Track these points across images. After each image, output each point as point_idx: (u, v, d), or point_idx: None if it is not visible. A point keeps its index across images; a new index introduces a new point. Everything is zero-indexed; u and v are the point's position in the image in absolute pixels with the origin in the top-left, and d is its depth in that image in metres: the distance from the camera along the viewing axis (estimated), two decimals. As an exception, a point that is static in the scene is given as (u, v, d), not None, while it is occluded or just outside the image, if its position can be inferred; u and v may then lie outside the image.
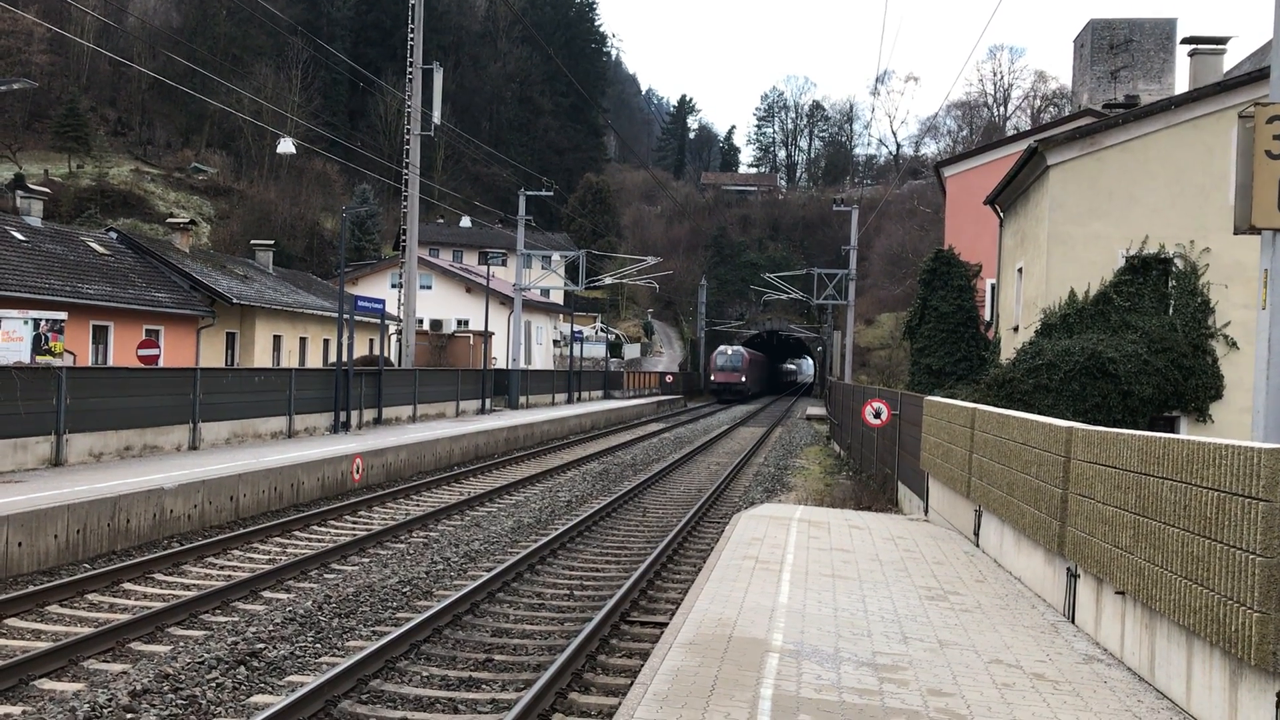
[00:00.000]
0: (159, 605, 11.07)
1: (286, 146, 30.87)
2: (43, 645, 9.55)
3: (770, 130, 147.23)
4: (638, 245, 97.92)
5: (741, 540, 13.83)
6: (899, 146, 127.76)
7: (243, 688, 8.85)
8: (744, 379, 79.08)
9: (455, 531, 16.82)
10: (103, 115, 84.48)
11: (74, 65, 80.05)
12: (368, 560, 14.35)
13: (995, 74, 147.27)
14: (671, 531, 16.68)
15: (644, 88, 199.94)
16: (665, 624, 10.94)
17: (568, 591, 13.08)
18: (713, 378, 79.87)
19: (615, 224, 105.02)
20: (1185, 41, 27.47)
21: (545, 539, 15.61)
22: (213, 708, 8.33)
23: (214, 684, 8.81)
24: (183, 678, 8.85)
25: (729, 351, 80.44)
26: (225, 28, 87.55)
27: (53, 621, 10.81)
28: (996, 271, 29.39)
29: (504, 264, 63.88)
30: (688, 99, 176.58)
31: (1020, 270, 25.00)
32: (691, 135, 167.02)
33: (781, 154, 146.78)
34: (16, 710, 8.03)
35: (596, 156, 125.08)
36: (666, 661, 7.85)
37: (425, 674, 9.48)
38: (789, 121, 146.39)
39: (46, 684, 8.69)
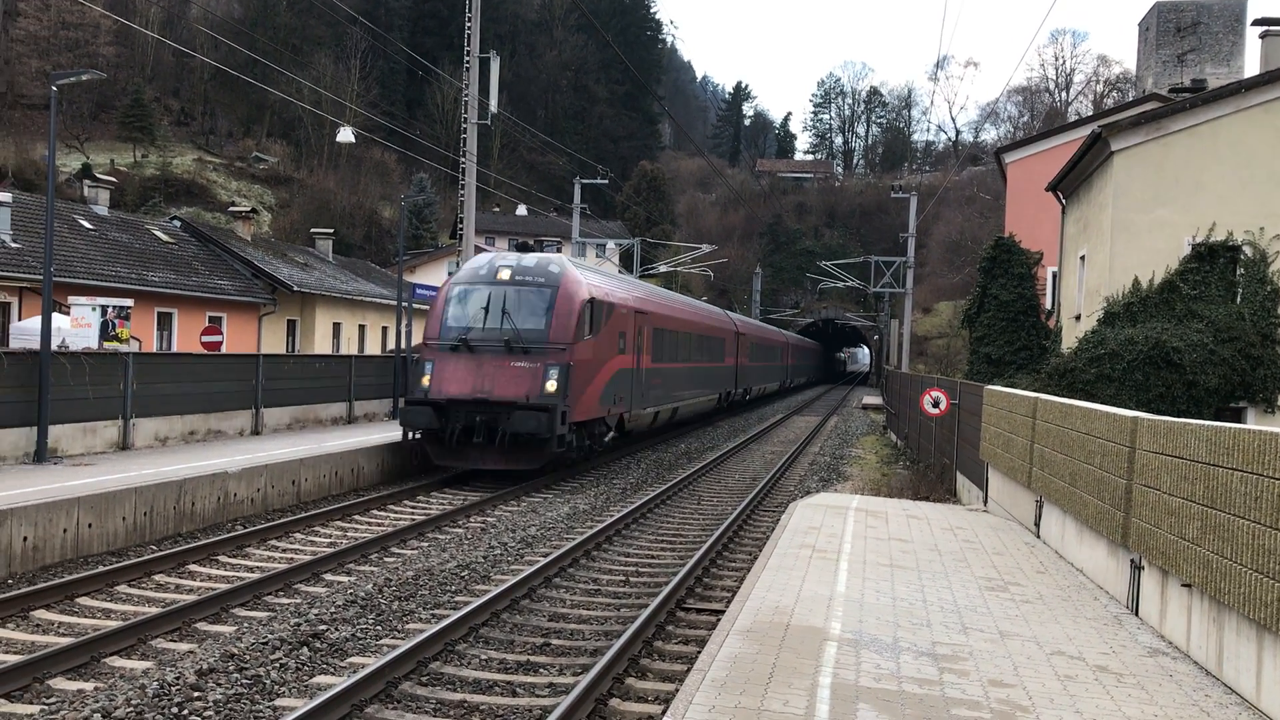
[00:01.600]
0: (224, 586, 11.29)
1: (346, 136, 31.18)
2: (113, 624, 9.78)
3: (827, 117, 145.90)
4: (692, 233, 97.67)
5: (798, 529, 13.78)
6: (958, 133, 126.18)
7: (305, 668, 8.99)
8: (547, 385, 19.82)
9: (512, 517, 16.93)
10: (166, 106, 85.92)
11: (139, 57, 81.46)
12: (426, 544, 14.50)
13: (1057, 59, 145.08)
14: (726, 520, 16.67)
15: (699, 75, 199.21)
16: (721, 611, 10.95)
17: (623, 578, 13.13)
18: (425, 381, 20.01)
19: (670, 212, 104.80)
20: (1256, 23, 26.74)
21: (600, 525, 15.66)
22: (276, 687, 8.48)
23: (278, 664, 8.96)
24: (247, 657, 9.02)
25: (481, 268, 21.51)
26: (285, 18, 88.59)
27: (122, 601, 11.05)
28: (1058, 259, 28.93)
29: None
30: (743, 85, 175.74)
31: (1083, 258, 24.58)
32: (747, 122, 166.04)
33: (838, 140, 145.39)
34: (89, 686, 8.24)
35: (651, 144, 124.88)
36: (724, 648, 7.85)
37: (484, 657, 9.58)
38: (846, 108, 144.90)
39: (116, 661, 8.90)
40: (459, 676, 8.98)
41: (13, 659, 8.47)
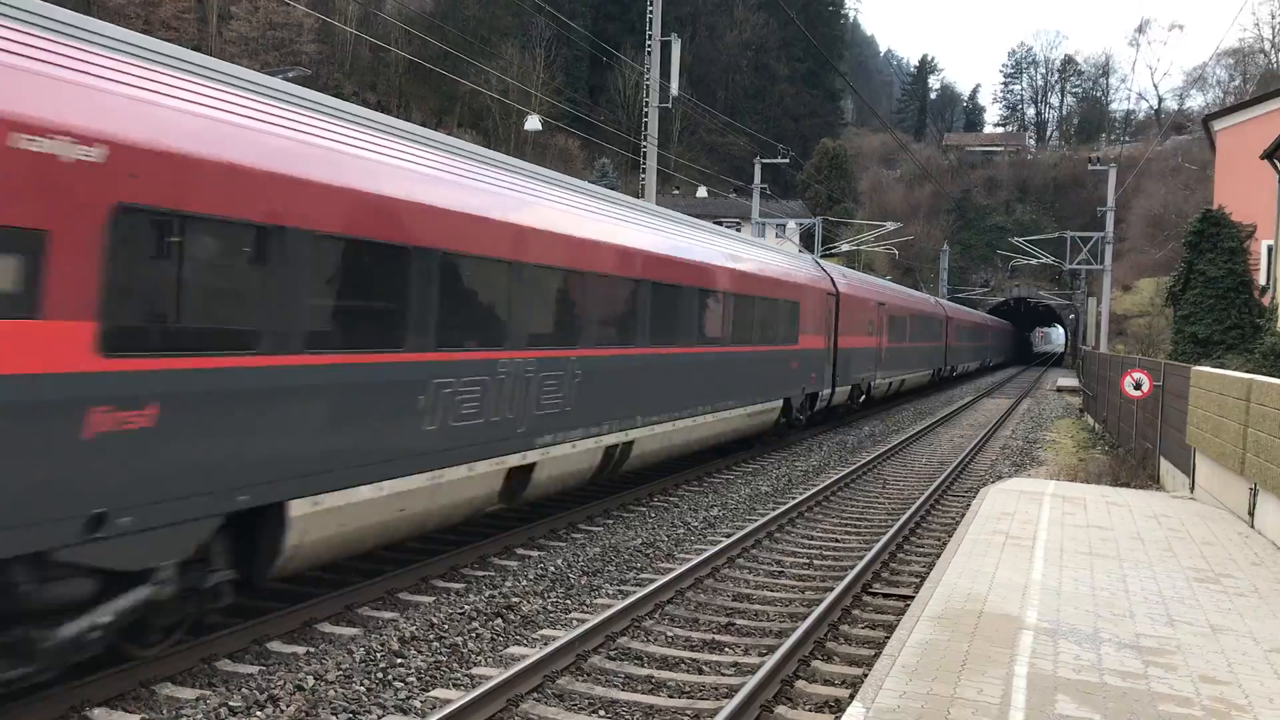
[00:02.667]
0: (424, 560, 11.78)
1: (533, 123, 31.95)
2: (323, 593, 10.34)
3: (1018, 88, 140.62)
4: (875, 211, 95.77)
5: (990, 515, 13.41)
6: (1161, 100, 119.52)
7: (499, 639, 9.33)
8: None
9: (694, 497, 17.06)
10: (364, 100, 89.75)
11: (339, 53, 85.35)
12: (611, 521, 14.77)
13: (1274, 17, 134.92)
14: (913, 504, 16.35)
15: (882, 50, 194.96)
16: (909, 597, 10.76)
17: (807, 560, 13.06)
18: None
19: (852, 189, 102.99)
20: None
21: (783, 507, 15.60)
22: (473, 656, 8.83)
23: (474, 634, 9.32)
24: (446, 627, 9.41)
25: None
26: (474, 10, 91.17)
27: (331, 570, 11.64)
28: (1274, 232, 27.04)
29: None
30: (929, 59, 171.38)
31: (1304, 230, 22.92)
32: (933, 96, 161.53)
33: (1030, 112, 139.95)
34: (301, 650, 8.76)
35: (833, 121, 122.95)
36: (914, 634, 7.73)
37: (670, 634, 9.71)
38: (1038, 78, 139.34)
39: (327, 628, 9.43)
40: (646, 652, 9.13)
41: (234, 622, 9.08)
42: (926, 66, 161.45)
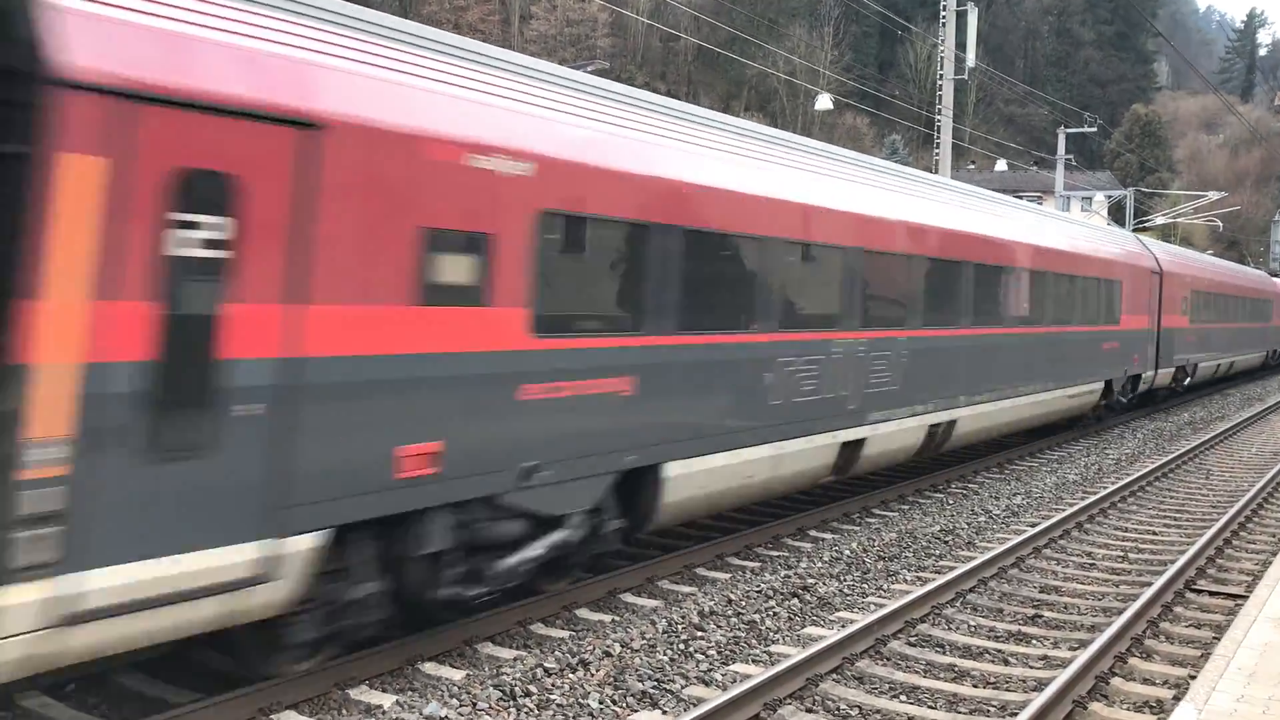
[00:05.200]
0: (719, 535, 11.99)
1: (824, 103, 31.78)
2: (624, 565, 10.71)
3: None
4: (1194, 180, 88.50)
5: (1336, 510, 12.14)
6: None
7: (796, 619, 9.37)
8: None
9: (994, 484, 16.44)
10: (654, 88, 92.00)
11: (631, 44, 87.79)
12: (907, 507, 14.47)
13: None
14: (1243, 497, 15.04)
15: (1201, 6, 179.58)
16: (1241, 596, 9.95)
17: (1120, 553, 12.31)
18: None
19: (1167, 158, 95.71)
20: None
21: (1094, 497, 14.76)
22: (770, 634, 8.92)
23: (770, 612, 9.41)
24: (743, 604, 9.55)
25: None
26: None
27: (631, 544, 12.04)
28: None
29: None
30: (1257, 12, 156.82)
31: None
32: (1262, 53, 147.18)
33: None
34: (607, 618, 9.14)
35: (1145, 86, 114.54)
36: (1251, 635, 7.15)
37: (972, 623, 9.44)
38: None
39: (629, 598, 9.78)
40: (947, 640, 8.91)
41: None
42: (1254, 21, 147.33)
